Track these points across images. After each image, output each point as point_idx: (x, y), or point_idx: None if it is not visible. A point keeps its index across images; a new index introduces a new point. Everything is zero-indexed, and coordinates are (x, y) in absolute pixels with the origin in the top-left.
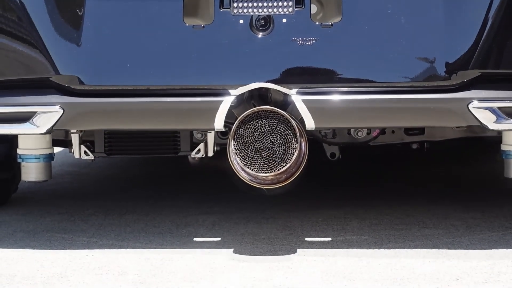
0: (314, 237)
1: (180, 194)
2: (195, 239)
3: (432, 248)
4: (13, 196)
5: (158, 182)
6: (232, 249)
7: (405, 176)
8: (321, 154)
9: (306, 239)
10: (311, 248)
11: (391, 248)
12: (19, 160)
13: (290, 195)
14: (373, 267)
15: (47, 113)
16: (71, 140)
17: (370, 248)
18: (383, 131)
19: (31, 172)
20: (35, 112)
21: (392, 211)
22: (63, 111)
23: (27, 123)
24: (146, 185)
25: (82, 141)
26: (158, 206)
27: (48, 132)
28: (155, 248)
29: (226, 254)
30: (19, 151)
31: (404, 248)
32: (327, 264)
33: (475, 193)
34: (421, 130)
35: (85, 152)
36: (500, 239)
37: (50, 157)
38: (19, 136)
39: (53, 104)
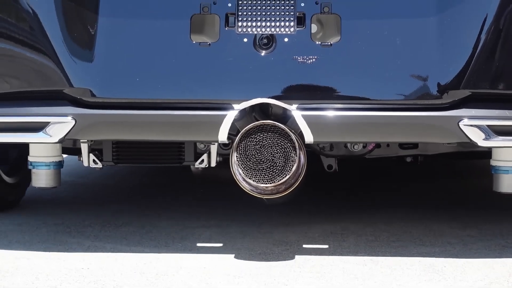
0: (311, 253)
1: (177, 206)
2: (191, 253)
3: (428, 267)
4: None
5: (155, 193)
6: (228, 264)
7: (402, 191)
8: (319, 166)
9: (302, 255)
10: (307, 265)
11: (388, 266)
12: (30, 167)
13: (288, 209)
14: (369, 285)
15: (60, 124)
16: (80, 149)
17: (366, 265)
18: (378, 145)
19: (41, 179)
20: (48, 122)
21: (389, 227)
22: (75, 122)
23: (41, 132)
24: (143, 196)
25: (91, 150)
26: (154, 218)
27: (60, 141)
28: (150, 262)
29: (222, 270)
30: (30, 159)
31: (400, 266)
32: (323, 281)
33: (471, 209)
34: (414, 145)
35: (93, 160)
36: (496, 258)
37: (59, 164)
38: (30, 144)
39: (65, 115)
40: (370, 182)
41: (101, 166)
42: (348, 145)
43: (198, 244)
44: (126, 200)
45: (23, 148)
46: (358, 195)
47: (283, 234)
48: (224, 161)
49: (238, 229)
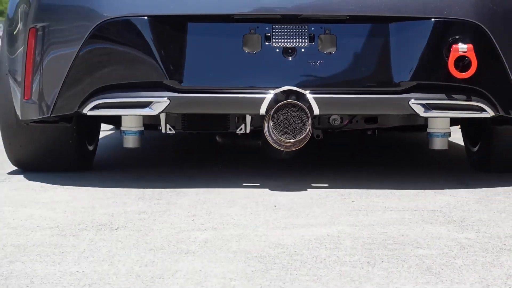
0: (307, 256)
1: (173, 209)
2: (187, 256)
3: (425, 270)
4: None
5: (151, 196)
6: (224, 268)
7: (399, 194)
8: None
9: (299, 258)
10: (304, 267)
11: (384, 269)
12: (122, 134)
13: (285, 211)
14: None
15: (160, 103)
16: (153, 125)
17: (363, 268)
18: (350, 120)
19: (129, 142)
20: (151, 102)
21: (386, 229)
22: (169, 101)
23: (147, 108)
24: (138, 199)
25: (166, 121)
26: (150, 221)
27: (159, 114)
28: (146, 265)
29: (217, 273)
30: (122, 128)
31: (397, 269)
32: (320, 284)
33: (468, 211)
34: (375, 120)
35: (169, 128)
36: (494, 261)
37: (141, 132)
38: (123, 117)
39: (163, 97)
40: (366, 185)
41: (174, 132)
42: (330, 120)
43: (194, 247)
44: (122, 203)
45: (98, 124)
46: (354, 197)
47: (279, 237)
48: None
49: (234, 232)
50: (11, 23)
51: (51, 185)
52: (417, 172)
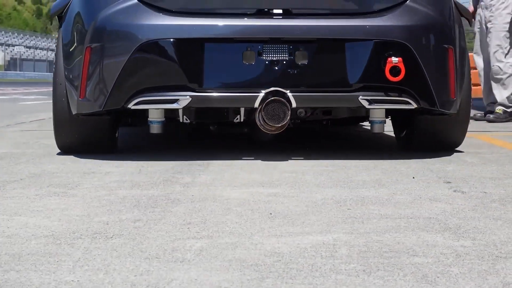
0: (303, 264)
1: (168, 217)
2: (182, 265)
3: (421, 278)
4: None
5: (146, 204)
6: (220, 276)
7: (394, 201)
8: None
9: (294, 266)
10: (300, 276)
11: (380, 277)
12: (149, 123)
13: (281, 218)
14: None
15: (184, 99)
16: (170, 118)
17: (359, 276)
18: (312, 113)
19: (155, 129)
20: (178, 99)
21: (382, 237)
22: (191, 99)
23: (175, 103)
24: (133, 207)
25: (183, 114)
26: (145, 229)
27: (185, 108)
28: (141, 274)
29: (213, 282)
30: (150, 119)
31: (393, 277)
32: None
33: (463, 218)
34: (330, 113)
35: (185, 118)
36: (490, 269)
37: (163, 122)
38: (150, 111)
39: (186, 96)
40: (361, 192)
41: (189, 122)
42: (298, 112)
43: (189, 256)
44: (117, 211)
45: (121, 117)
46: (349, 207)
47: (275, 245)
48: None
49: (229, 240)
50: (67, 43)
51: (46, 193)
52: (412, 179)
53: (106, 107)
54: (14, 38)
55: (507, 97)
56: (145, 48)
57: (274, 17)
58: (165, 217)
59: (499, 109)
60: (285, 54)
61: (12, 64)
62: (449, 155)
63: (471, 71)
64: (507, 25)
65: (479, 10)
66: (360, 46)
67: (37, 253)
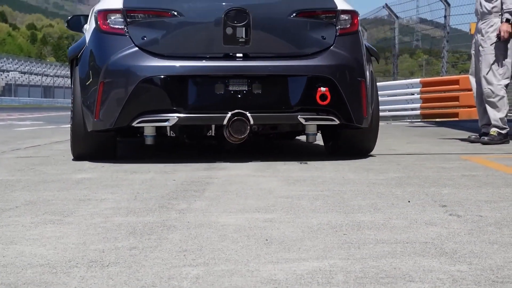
0: None
1: (164, 244)
2: None
3: None
4: None
5: (142, 231)
6: None
7: (390, 226)
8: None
9: None
10: None
11: None
12: (145, 136)
13: (277, 244)
14: None
15: (172, 119)
16: (161, 133)
17: None
18: (263, 128)
19: (149, 141)
20: (168, 119)
21: (378, 263)
22: (178, 118)
23: (166, 122)
24: (129, 234)
25: (170, 129)
26: (141, 257)
27: (173, 125)
28: None
29: None
30: (145, 133)
31: None
32: None
33: (460, 242)
34: (275, 128)
35: (171, 133)
36: None
37: (155, 136)
38: (145, 127)
39: (174, 116)
40: (357, 216)
41: (174, 135)
42: (254, 128)
43: (186, 284)
44: (113, 239)
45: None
46: (345, 232)
47: (271, 272)
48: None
49: (225, 267)
50: (84, 78)
51: (41, 220)
52: (407, 203)
53: (116, 126)
54: (8, 63)
55: (501, 119)
56: (144, 82)
57: (237, 59)
58: (161, 244)
59: (493, 131)
60: (245, 85)
61: (7, 89)
62: (445, 178)
63: (467, 92)
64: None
65: (475, 33)
66: (298, 80)
67: (33, 283)
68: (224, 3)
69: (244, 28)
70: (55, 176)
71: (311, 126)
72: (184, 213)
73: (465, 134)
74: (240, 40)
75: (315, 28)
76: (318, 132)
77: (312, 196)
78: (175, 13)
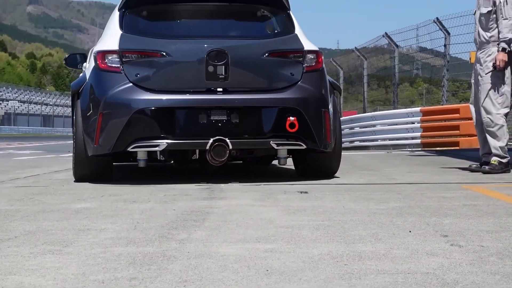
0: None
1: (164, 275)
2: None
3: None
4: None
5: (142, 261)
6: None
7: (391, 256)
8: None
9: None
10: None
11: None
12: (138, 160)
13: (277, 275)
14: None
15: (162, 145)
16: (152, 157)
17: None
18: (241, 153)
19: (141, 164)
20: (158, 144)
21: None
22: (167, 144)
23: (157, 147)
24: (129, 264)
25: (160, 154)
26: None
27: (162, 150)
28: None
29: None
30: (138, 157)
31: None
32: None
33: (464, 274)
34: (251, 153)
35: (161, 157)
36: None
37: (146, 160)
38: (138, 152)
39: (164, 142)
40: (358, 247)
41: (164, 159)
42: (233, 152)
43: None
44: (112, 269)
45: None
46: (346, 263)
47: None
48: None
49: None
50: (85, 110)
51: (40, 251)
52: (408, 233)
53: (113, 150)
54: (8, 92)
55: (501, 148)
56: (138, 113)
57: (217, 93)
58: (161, 275)
59: (494, 160)
60: (225, 116)
61: (6, 118)
62: (446, 207)
63: (468, 121)
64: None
65: (475, 62)
66: (271, 110)
67: None
68: (206, 45)
69: (223, 66)
70: (54, 205)
71: (282, 151)
72: (184, 243)
73: (466, 163)
74: (220, 76)
75: (285, 66)
76: (289, 156)
77: (313, 226)
78: (164, 54)
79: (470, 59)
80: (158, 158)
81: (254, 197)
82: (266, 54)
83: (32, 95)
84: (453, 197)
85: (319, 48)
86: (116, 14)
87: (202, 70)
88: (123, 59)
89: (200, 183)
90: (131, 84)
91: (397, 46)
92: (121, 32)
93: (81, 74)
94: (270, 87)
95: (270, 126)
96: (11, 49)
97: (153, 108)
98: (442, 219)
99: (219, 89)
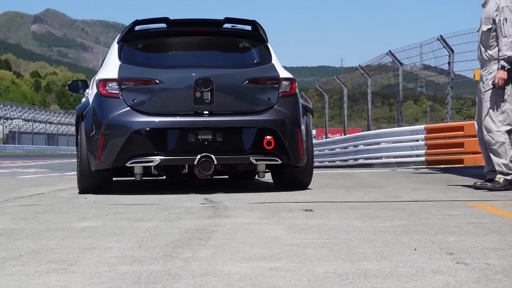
0: None
1: None
2: None
3: None
4: None
5: (147, 280)
6: None
7: (397, 274)
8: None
9: None
10: None
11: None
12: (135, 175)
13: None
14: None
15: (156, 161)
16: (149, 171)
17: None
18: (225, 167)
19: (138, 177)
20: (153, 160)
21: None
22: (160, 160)
23: (151, 163)
24: (134, 283)
25: (154, 168)
26: None
27: (156, 165)
28: None
29: None
30: (135, 172)
31: None
32: None
33: None
34: (234, 167)
35: (155, 171)
36: None
37: (142, 174)
38: (135, 167)
39: (157, 159)
40: (363, 265)
41: (157, 173)
42: (218, 167)
43: None
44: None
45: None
46: (352, 281)
47: None
48: (183, 174)
49: None
50: (88, 130)
51: (45, 269)
52: (414, 250)
53: (113, 166)
54: (12, 111)
55: (505, 165)
56: (135, 133)
57: (204, 116)
58: None
59: (498, 177)
60: (210, 135)
61: (11, 137)
62: (451, 225)
63: (472, 139)
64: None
65: (479, 80)
66: (250, 130)
67: None
68: (194, 74)
69: (209, 92)
70: (59, 224)
71: (261, 165)
72: (189, 262)
73: (471, 181)
74: (206, 101)
75: (263, 92)
76: (268, 171)
77: (318, 244)
78: (157, 81)
79: (474, 76)
80: (152, 173)
81: (258, 215)
82: (246, 81)
83: (36, 114)
84: (458, 214)
85: (322, 65)
86: (115, 47)
87: (191, 96)
88: (122, 86)
89: (204, 202)
90: (128, 108)
91: (401, 64)
92: (120, 62)
93: (83, 99)
94: (249, 110)
95: (249, 144)
96: (16, 68)
97: (148, 129)
98: (447, 237)
99: (205, 112)
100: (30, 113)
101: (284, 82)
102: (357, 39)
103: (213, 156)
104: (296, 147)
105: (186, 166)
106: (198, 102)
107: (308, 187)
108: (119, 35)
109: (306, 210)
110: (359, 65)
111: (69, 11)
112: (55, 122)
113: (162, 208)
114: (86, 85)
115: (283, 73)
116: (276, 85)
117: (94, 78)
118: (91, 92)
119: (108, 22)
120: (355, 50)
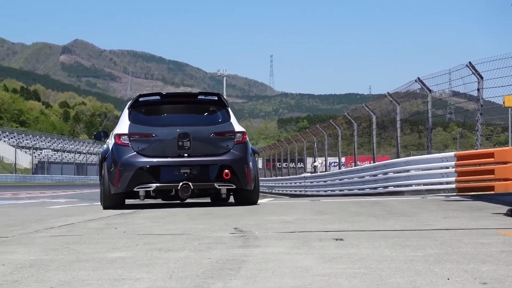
0: None
1: None
2: None
3: None
4: None
5: None
6: None
7: None
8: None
9: None
10: None
11: None
12: (139, 196)
13: None
14: None
15: (153, 186)
16: (148, 194)
17: None
18: (199, 191)
19: (142, 198)
20: (151, 187)
21: None
22: (155, 187)
23: (150, 188)
24: None
25: (151, 193)
26: None
27: (153, 190)
28: None
29: None
30: (140, 194)
31: None
32: None
33: None
34: (206, 191)
35: (152, 194)
36: None
37: (145, 196)
38: (140, 191)
39: (153, 186)
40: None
41: (155, 195)
42: (195, 191)
43: None
44: None
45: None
46: None
47: None
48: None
49: None
50: (109, 167)
51: None
52: (447, 280)
53: (126, 190)
54: (41, 141)
55: None
56: (139, 170)
57: (184, 157)
58: None
59: None
60: (188, 170)
61: (40, 167)
62: (484, 254)
63: (503, 165)
64: None
65: None
66: (215, 167)
67: None
68: (178, 130)
69: (188, 141)
70: (89, 255)
71: (223, 189)
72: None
73: (503, 208)
74: (186, 148)
75: (223, 141)
76: (231, 194)
77: (350, 273)
78: (154, 135)
79: (503, 103)
80: (151, 195)
81: (289, 245)
82: (213, 134)
83: (65, 144)
84: (491, 243)
85: (351, 92)
86: (126, 111)
87: (175, 144)
88: (131, 138)
89: (234, 231)
90: (135, 152)
91: (430, 90)
92: (129, 122)
93: (104, 145)
94: (214, 153)
95: (214, 175)
96: (45, 98)
97: (147, 166)
98: (480, 266)
99: (185, 155)
100: (59, 143)
101: (238, 134)
102: (385, 66)
103: (190, 184)
104: (245, 177)
105: (173, 190)
106: (181, 148)
107: (338, 217)
108: (128, 103)
109: (336, 239)
110: (388, 92)
111: (97, 42)
112: (84, 151)
113: (192, 238)
114: (106, 135)
115: (238, 128)
116: (232, 136)
117: (112, 132)
118: (110, 142)
119: (136, 52)
120: (383, 77)
